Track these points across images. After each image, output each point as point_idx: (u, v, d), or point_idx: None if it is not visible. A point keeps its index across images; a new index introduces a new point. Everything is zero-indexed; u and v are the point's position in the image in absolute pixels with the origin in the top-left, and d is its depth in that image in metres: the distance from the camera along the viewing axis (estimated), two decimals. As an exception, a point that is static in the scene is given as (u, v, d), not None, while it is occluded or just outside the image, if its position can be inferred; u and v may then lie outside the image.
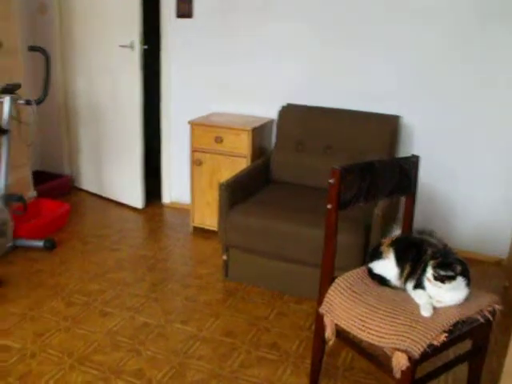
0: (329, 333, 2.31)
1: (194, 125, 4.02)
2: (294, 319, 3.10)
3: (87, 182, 5.11)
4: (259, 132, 3.97)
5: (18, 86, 3.82)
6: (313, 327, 2.89)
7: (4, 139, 3.74)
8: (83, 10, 4.67)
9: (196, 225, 4.22)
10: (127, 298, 3.28)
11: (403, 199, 2.60)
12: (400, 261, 2.24)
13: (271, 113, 4.12)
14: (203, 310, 3.18)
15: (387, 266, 2.27)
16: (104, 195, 4.95)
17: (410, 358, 1.94)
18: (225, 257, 3.46)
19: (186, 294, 3.34)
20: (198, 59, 4.34)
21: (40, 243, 3.87)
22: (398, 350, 1.97)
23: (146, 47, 4.40)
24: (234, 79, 4.25)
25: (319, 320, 2.36)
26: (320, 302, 2.33)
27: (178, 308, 3.19)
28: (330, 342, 2.34)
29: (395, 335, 1.99)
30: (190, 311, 3.16)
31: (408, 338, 1.95)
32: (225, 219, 3.33)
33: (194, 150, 4.05)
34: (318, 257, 2.53)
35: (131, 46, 4.32)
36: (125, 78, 4.46)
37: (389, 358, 2.03)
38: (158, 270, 3.64)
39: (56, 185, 4.95)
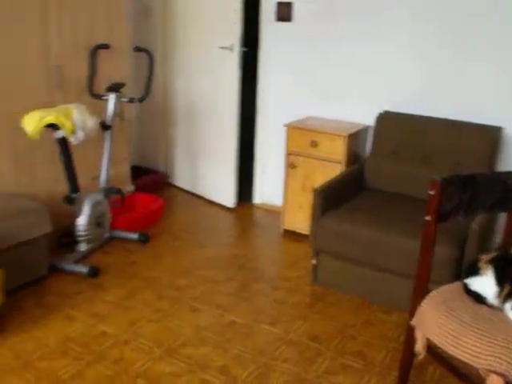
0: (419, 347, 2.26)
1: (291, 128, 4.04)
2: (381, 329, 3.06)
3: (180, 179, 5.26)
4: (355, 138, 3.94)
5: (122, 85, 3.98)
6: (401, 339, 2.87)
7: (107, 135, 3.92)
8: (185, 12, 4.81)
9: (286, 227, 4.24)
10: (216, 296, 3.35)
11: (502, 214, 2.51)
12: (499, 279, 2.16)
13: (367, 119, 4.07)
14: (291, 312, 3.19)
15: (485, 284, 2.20)
16: (196, 192, 5.07)
17: (506, 383, 1.87)
18: (314, 261, 3.46)
19: (274, 296, 3.36)
20: (296, 62, 4.36)
21: (135, 235, 4.02)
22: (494, 372, 1.90)
23: (245, 49, 4.47)
24: (331, 83, 4.23)
25: (410, 332, 2.32)
26: (412, 315, 2.29)
27: (266, 309, 3.22)
28: (420, 357, 2.29)
29: (492, 356, 1.92)
30: (278, 313, 3.18)
31: (505, 360, 1.88)
32: (317, 224, 3.33)
33: (288, 153, 4.07)
34: (410, 268, 2.50)
35: (231, 48, 4.40)
36: (223, 79, 4.55)
37: (482, 380, 1.97)
38: (248, 270, 3.69)
39: (151, 180, 5.11)
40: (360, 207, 3.44)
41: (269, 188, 4.73)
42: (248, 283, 3.52)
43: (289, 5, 4.27)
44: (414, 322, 2.27)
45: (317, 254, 3.44)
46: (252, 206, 4.85)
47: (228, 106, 4.56)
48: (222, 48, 4.46)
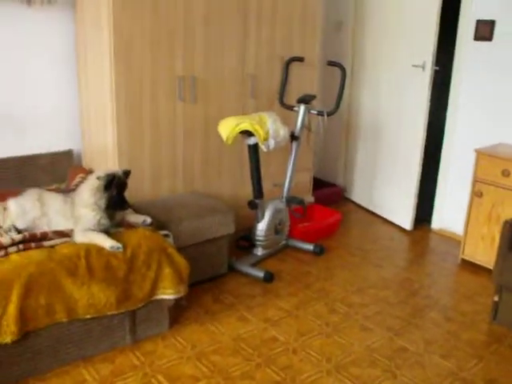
0: None
1: (480, 154, 3.85)
2: None
3: (358, 195, 5.25)
4: (553, 171, 3.66)
5: (313, 97, 4.05)
6: None
7: (294, 145, 4.01)
8: (377, 28, 4.82)
9: (465, 257, 4.04)
10: (388, 318, 3.29)
11: None
12: None
13: None
14: (465, 348, 3.03)
15: None
16: (372, 210, 5.03)
17: None
18: (496, 298, 3.26)
19: (447, 328, 3.22)
20: (493, 84, 4.12)
21: (310, 247, 4.07)
22: None
23: (437, 68, 4.34)
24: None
25: None
26: None
27: (438, 340, 3.09)
28: None
29: None
30: (451, 346, 3.03)
31: None
32: (504, 258, 3.13)
33: (476, 180, 3.87)
34: None
35: (423, 67, 4.30)
36: (412, 97, 4.46)
37: None
38: (421, 296, 3.57)
39: (328, 193, 5.17)
40: (554, 246, 3.18)
41: (449, 214, 4.53)
42: (420, 310, 3.41)
43: (491, 23, 4.07)
44: None
45: (499, 290, 3.24)
46: (430, 230, 4.69)
47: (414, 126, 4.46)
48: (414, 66, 4.37)
